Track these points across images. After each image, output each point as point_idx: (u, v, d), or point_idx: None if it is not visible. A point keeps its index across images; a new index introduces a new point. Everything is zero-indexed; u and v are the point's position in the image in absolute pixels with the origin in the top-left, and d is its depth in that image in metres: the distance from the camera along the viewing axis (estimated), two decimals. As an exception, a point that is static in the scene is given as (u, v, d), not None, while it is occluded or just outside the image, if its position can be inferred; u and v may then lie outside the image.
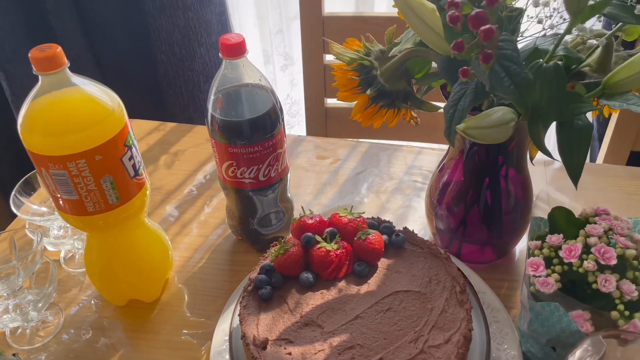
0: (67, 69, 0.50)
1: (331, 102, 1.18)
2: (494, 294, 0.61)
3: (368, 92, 0.59)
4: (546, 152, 0.45)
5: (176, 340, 0.62)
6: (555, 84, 0.44)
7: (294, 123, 1.62)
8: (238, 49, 0.56)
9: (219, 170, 0.65)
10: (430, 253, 0.55)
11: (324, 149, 0.93)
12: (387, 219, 0.60)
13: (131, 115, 0.56)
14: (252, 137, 0.60)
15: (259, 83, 0.60)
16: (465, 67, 0.43)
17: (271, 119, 0.61)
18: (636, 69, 0.46)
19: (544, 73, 0.45)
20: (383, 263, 0.54)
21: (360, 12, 1.18)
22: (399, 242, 0.55)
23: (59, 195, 0.53)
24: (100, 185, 0.52)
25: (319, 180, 0.86)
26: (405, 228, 0.58)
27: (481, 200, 0.64)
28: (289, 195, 0.71)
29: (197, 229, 0.77)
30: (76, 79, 0.51)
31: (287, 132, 0.67)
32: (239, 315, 0.50)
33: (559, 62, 0.50)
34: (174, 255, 0.72)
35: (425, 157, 0.89)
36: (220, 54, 0.57)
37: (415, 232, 0.59)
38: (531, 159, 0.64)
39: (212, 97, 0.60)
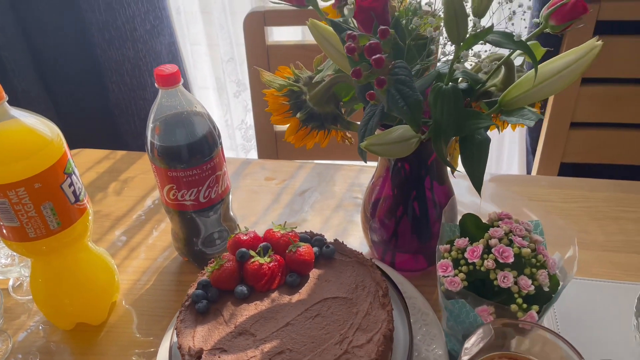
0: (6, 102, 0.53)
1: (280, 126, 1.23)
2: (424, 298, 0.65)
3: (298, 115, 0.63)
4: (447, 164, 0.50)
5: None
6: (454, 103, 0.50)
7: (250, 147, 1.66)
8: (172, 79, 0.60)
9: (161, 194, 0.68)
10: (358, 262, 0.59)
11: (271, 171, 0.97)
12: (322, 234, 0.64)
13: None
14: (190, 161, 0.63)
15: (194, 109, 0.64)
16: (372, 91, 0.48)
17: (208, 143, 0.64)
18: (525, 88, 0.52)
19: (443, 94, 0.50)
20: (314, 273, 0.58)
21: (303, 40, 1.24)
22: (329, 253, 0.59)
23: (1, 223, 0.55)
24: (41, 211, 0.54)
25: (265, 200, 0.89)
26: (335, 240, 0.62)
27: (409, 211, 0.69)
28: (232, 214, 0.75)
29: (145, 252, 0.80)
30: (15, 111, 0.54)
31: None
32: (175, 328, 0.52)
33: (464, 84, 0.56)
34: (121, 278, 0.74)
35: (366, 175, 0.94)
36: (156, 84, 0.61)
37: (355, 245, 0.63)
38: (452, 172, 0.69)
39: (150, 125, 0.64)
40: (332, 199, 0.89)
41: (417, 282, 0.68)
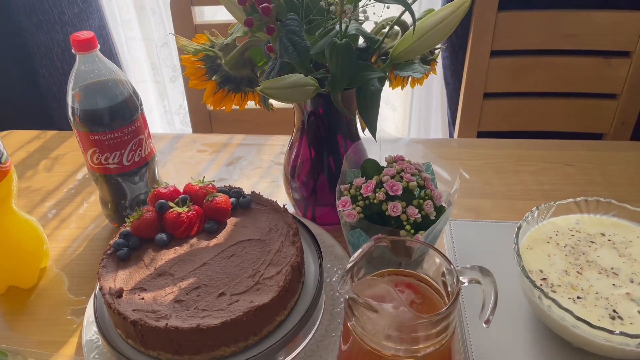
0: None
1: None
2: (341, 247, 0.71)
3: (214, 78, 0.68)
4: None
5: (54, 318, 0.67)
6: (346, 57, 0.55)
7: (188, 132, 1.69)
8: (88, 44, 0.63)
9: (85, 159, 0.71)
10: (273, 209, 0.64)
11: (203, 144, 1.00)
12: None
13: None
14: (111, 124, 0.67)
15: (113, 75, 0.67)
16: (270, 44, 0.53)
17: (128, 107, 0.68)
18: (409, 42, 0.58)
19: (338, 49, 0.55)
20: (231, 221, 0.62)
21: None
22: (245, 202, 0.64)
23: None
24: (-39, 171, 0.56)
25: (196, 170, 0.93)
26: (252, 192, 0.67)
27: (326, 168, 0.74)
28: (159, 179, 0.78)
29: (75, 222, 0.82)
30: None
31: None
32: (97, 274, 0.56)
33: (364, 44, 0.62)
34: (51, 247, 0.76)
35: (292, 143, 0.99)
36: (73, 50, 0.64)
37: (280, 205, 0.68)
38: (362, 130, 0.75)
39: (70, 92, 0.66)
40: (260, 167, 0.94)
41: (335, 234, 0.74)
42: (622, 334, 0.50)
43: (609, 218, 0.66)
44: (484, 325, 0.50)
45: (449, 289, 0.47)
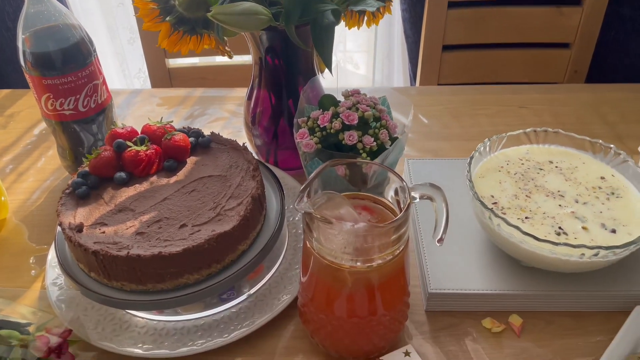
0: None
1: (173, 62, 1.25)
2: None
3: (168, 19, 0.67)
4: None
5: (16, 266, 0.66)
6: (299, -11, 0.56)
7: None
8: (35, -18, 0.61)
9: (40, 106, 0.69)
10: (232, 147, 0.64)
11: (162, 98, 0.99)
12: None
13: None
14: (63, 68, 0.65)
15: (64, 18, 0.66)
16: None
17: (81, 51, 0.67)
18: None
19: (290, -19, 0.56)
20: (191, 160, 0.63)
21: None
22: (205, 142, 0.64)
23: None
24: None
25: (155, 123, 0.92)
26: (212, 132, 0.67)
27: (286, 112, 0.75)
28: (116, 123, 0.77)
29: (34, 175, 0.81)
30: None
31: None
32: (56, 212, 0.56)
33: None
34: (10, 199, 0.75)
35: (253, 95, 0.99)
36: (19, -10, 0.62)
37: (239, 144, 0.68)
38: (321, 72, 0.76)
39: (20, 36, 0.65)
40: (221, 119, 0.94)
41: (299, 178, 0.75)
42: (565, 244, 0.53)
43: (556, 147, 0.69)
44: (437, 243, 0.53)
45: (402, 206, 0.49)
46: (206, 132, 0.67)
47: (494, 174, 0.66)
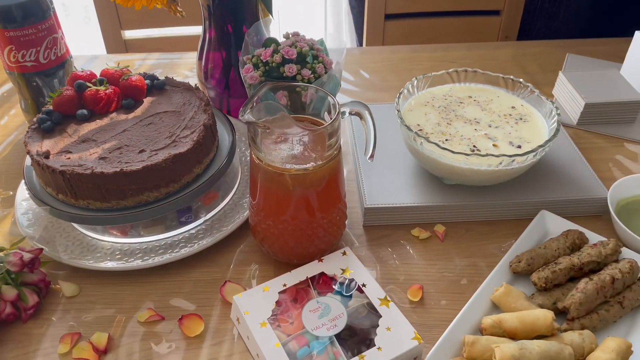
0: None
1: (129, 34, 1.29)
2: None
3: (121, -26, 0.72)
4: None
5: (-17, 207, 0.71)
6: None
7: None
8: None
9: (2, 60, 0.74)
10: (186, 88, 0.71)
11: (119, 62, 1.04)
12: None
13: None
14: (23, 21, 0.70)
15: (21, -28, 0.70)
16: None
17: (40, 5, 0.71)
18: None
19: None
20: (148, 99, 0.69)
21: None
22: (160, 84, 0.71)
23: None
24: None
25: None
26: (166, 77, 0.73)
27: (235, 63, 0.81)
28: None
29: (-3, 131, 0.85)
30: None
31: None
32: (24, 144, 0.61)
33: None
34: (-27, 150, 0.79)
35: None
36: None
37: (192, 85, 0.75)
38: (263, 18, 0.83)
39: (-20, -11, 0.69)
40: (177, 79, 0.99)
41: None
42: (475, 154, 0.62)
43: (475, 85, 0.78)
44: (369, 160, 0.61)
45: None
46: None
47: (420, 107, 0.74)
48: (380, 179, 0.71)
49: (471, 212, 0.68)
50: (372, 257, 0.65)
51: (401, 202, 0.67)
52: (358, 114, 0.58)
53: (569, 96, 0.86)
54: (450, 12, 1.35)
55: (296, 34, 0.69)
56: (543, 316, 0.52)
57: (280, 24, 0.71)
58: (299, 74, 0.64)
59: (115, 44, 1.27)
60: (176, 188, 0.61)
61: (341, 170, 0.59)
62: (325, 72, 0.66)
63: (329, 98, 0.56)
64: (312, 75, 0.64)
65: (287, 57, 0.64)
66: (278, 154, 0.54)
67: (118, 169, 0.56)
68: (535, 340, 0.50)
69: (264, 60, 0.64)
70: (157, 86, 0.71)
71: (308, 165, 0.54)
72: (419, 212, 0.68)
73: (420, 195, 0.69)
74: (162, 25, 1.29)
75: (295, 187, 0.55)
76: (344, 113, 0.57)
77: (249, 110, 0.52)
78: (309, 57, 0.65)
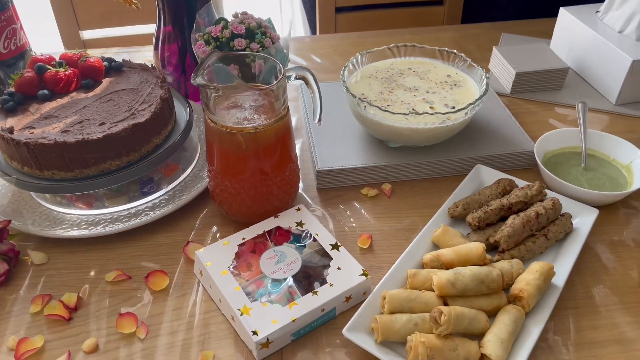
0: None
1: (87, 34, 1.32)
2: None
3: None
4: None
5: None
6: None
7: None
8: None
9: (-39, 49, 0.76)
10: (143, 69, 0.75)
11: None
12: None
13: None
14: (-18, 11, 0.73)
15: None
16: None
17: (-3, -5, 0.75)
18: None
19: None
20: (106, 80, 0.73)
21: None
22: (117, 66, 0.74)
23: None
24: None
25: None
26: (123, 59, 0.77)
27: (190, 48, 0.86)
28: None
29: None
30: None
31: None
32: (-13, 122, 0.64)
33: None
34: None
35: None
36: None
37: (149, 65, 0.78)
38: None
39: (-63, -19, 0.72)
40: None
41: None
42: (412, 113, 0.68)
43: (415, 58, 0.85)
44: (317, 124, 0.67)
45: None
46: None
47: (365, 79, 0.80)
48: (330, 146, 0.76)
49: (414, 170, 0.74)
50: (326, 215, 0.70)
51: (350, 164, 0.73)
52: (303, 78, 0.63)
53: (503, 68, 0.94)
54: (398, 4, 1.42)
55: (244, 13, 0.74)
56: (475, 247, 0.58)
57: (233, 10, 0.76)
58: (248, 47, 0.69)
59: (74, 44, 1.29)
60: (136, 157, 0.65)
61: (290, 131, 0.64)
62: (273, 44, 0.71)
63: (275, 64, 0.62)
64: (261, 48, 0.70)
65: (236, 32, 0.69)
66: (230, 116, 0.59)
67: (80, 138, 0.60)
68: (468, 267, 0.56)
69: (214, 36, 0.69)
70: (114, 68, 0.74)
71: (258, 124, 0.59)
72: (366, 173, 0.73)
73: (367, 157, 0.74)
74: (120, 24, 1.32)
75: (248, 146, 0.60)
76: (289, 77, 0.62)
77: (200, 75, 0.56)
78: (258, 33, 0.70)
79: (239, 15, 0.73)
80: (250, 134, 0.59)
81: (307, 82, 0.64)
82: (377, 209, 0.71)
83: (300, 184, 0.74)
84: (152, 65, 0.75)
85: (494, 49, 0.97)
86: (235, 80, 0.57)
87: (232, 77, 0.57)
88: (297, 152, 0.80)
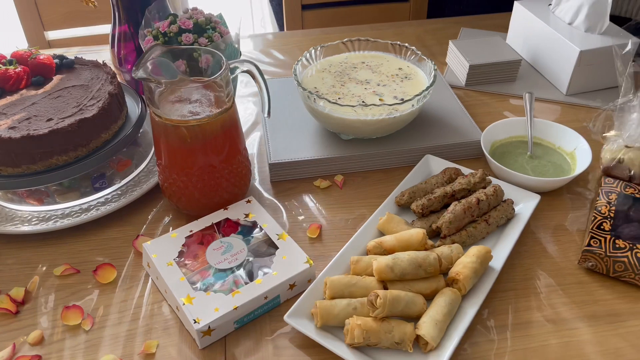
0: None
1: (52, 35, 1.32)
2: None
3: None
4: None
5: None
6: None
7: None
8: None
9: None
10: (94, 65, 0.75)
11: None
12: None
13: None
14: None
15: None
16: None
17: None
18: None
19: None
20: (57, 77, 0.73)
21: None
22: (69, 63, 0.75)
23: None
24: None
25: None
26: (75, 56, 0.77)
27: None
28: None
29: None
30: None
31: None
32: None
33: None
34: None
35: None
36: None
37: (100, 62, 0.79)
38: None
39: None
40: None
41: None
42: (361, 105, 0.70)
43: (369, 52, 0.86)
44: (267, 117, 0.68)
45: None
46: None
47: (319, 74, 0.81)
48: (286, 139, 0.77)
49: (366, 161, 0.75)
50: (278, 207, 0.71)
51: (303, 156, 0.74)
52: (248, 72, 0.64)
53: (458, 61, 0.96)
54: (365, 1, 1.44)
55: (194, 9, 0.75)
56: (416, 233, 0.59)
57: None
58: (196, 42, 0.70)
59: (39, 44, 1.29)
60: (85, 152, 0.65)
61: (237, 124, 0.65)
62: (222, 38, 0.72)
63: (218, 55, 0.62)
64: (209, 42, 0.70)
65: (183, 27, 0.70)
66: (175, 110, 0.60)
67: (25, 134, 0.60)
68: (407, 252, 0.57)
69: (162, 32, 0.70)
70: (66, 65, 0.75)
71: (202, 116, 0.59)
72: (319, 165, 0.74)
73: (320, 150, 0.75)
74: (84, 24, 1.32)
75: (193, 140, 0.61)
76: (235, 69, 0.63)
77: (141, 68, 0.57)
78: (209, 29, 0.71)
79: (189, 10, 0.74)
80: (195, 127, 0.60)
81: (253, 76, 0.65)
82: (329, 199, 0.72)
83: (257, 177, 0.75)
84: (103, 62, 0.76)
85: (450, 43, 0.98)
86: (178, 74, 0.58)
87: (175, 72, 0.58)
88: (255, 145, 0.81)
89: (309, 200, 0.72)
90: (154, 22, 0.73)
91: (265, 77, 0.99)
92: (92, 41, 1.33)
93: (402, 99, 0.75)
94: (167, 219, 0.69)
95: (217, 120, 0.61)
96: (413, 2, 1.43)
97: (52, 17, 1.28)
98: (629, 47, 0.70)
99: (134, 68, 0.56)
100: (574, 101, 0.90)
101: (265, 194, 0.73)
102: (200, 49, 0.64)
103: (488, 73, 0.93)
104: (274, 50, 1.09)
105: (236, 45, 0.74)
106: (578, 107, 0.89)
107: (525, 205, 0.66)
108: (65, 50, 1.09)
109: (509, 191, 0.68)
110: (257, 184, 0.75)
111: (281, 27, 1.52)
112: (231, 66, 0.62)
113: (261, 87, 0.66)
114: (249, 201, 0.66)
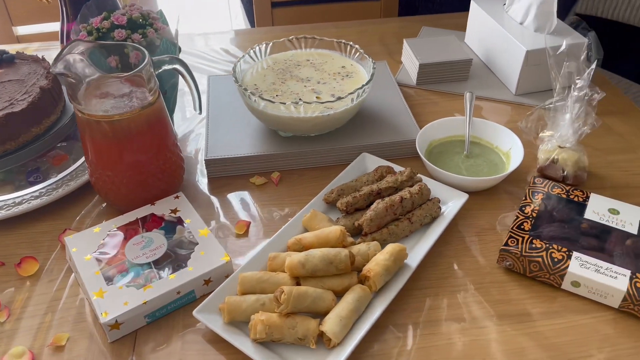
0: None
1: (22, 30, 1.32)
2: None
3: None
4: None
5: None
6: None
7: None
8: None
9: None
10: (34, 60, 0.76)
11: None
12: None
13: None
14: None
15: None
16: None
17: None
18: None
19: None
20: (-4, 72, 0.74)
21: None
22: (9, 58, 0.75)
23: None
24: None
25: None
26: (17, 52, 0.78)
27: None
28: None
29: None
30: None
31: None
32: None
33: None
34: None
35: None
36: None
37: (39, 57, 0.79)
38: None
39: None
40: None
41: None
42: (294, 103, 0.70)
43: (315, 50, 0.86)
44: (198, 113, 0.68)
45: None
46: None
47: (262, 71, 0.82)
48: (226, 136, 0.77)
49: (303, 159, 0.76)
50: (211, 203, 0.71)
51: (239, 153, 0.74)
52: (175, 69, 0.64)
53: (410, 60, 0.96)
54: (334, -1, 1.44)
55: (132, 5, 0.75)
56: (334, 230, 0.59)
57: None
58: (129, 38, 0.70)
59: (8, 40, 1.30)
60: (14, 146, 0.66)
61: (164, 119, 0.65)
62: (157, 32, 0.72)
63: (140, 51, 0.63)
64: (143, 39, 0.71)
65: (116, 23, 0.70)
66: (100, 105, 0.60)
67: (-51, 128, 0.61)
68: (320, 248, 0.57)
69: (95, 27, 0.70)
70: (6, 59, 0.75)
71: (124, 110, 0.60)
72: (256, 162, 0.75)
73: (258, 146, 0.76)
74: (53, 20, 1.33)
75: (117, 134, 0.61)
76: (162, 62, 0.63)
77: (59, 63, 0.57)
78: (147, 25, 0.71)
79: (127, 7, 0.74)
80: (117, 122, 0.60)
81: (180, 73, 0.65)
82: (263, 196, 0.72)
83: (199, 173, 0.76)
84: (42, 56, 0.76)
85: (405, 42, 0.98)
86: (104, 77, 0.58)
87: (108, 67, 0.59)
88: (197, 141, 0.82)
89: (243, 195, 0.72)
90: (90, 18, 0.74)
91: (218, 73, 0.99)
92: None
93: (339, 97, 0.75)
94: (96, 214, 0.69)
95: (141, 116, 0.61)
96: (384, 1, 1.43)
97: (20, 13, 1.28)
98: (562, 47, 0.70)
99: (52, 64, 0.57)
100: (523, 101, 0.89)
101: (201, 190, 0.73)
102: (129, 45, 0.64)
103: (439, 72, 0.93)
104: (233, 48, 1.09)
105: (175, 41, 0.75)
106: (526, 107, 0.89)
107: (453, 204, 0.66)
108: (27, 46, 1.09)
109: (438, 190, 0.68)
110: (197, 179, 0.75)
111: (252, 25, 1.52)
112: (154, 60, 0.63)
113: (189, 83, 0.66)
114: (177, 197, 0.67)
